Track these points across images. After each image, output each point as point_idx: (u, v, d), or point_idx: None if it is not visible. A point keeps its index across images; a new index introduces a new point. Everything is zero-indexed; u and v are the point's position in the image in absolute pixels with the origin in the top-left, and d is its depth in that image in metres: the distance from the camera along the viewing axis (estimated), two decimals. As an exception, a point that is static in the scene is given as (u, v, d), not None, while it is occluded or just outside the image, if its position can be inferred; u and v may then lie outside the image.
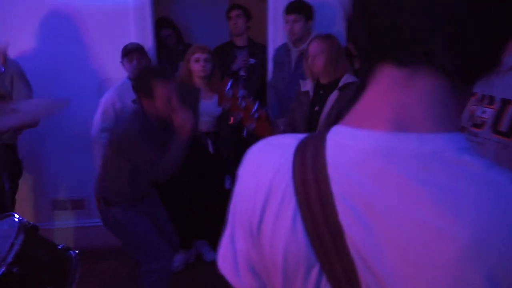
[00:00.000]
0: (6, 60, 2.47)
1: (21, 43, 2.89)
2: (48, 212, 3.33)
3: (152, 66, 2.29)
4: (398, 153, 0.48)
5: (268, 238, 0.56)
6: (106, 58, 3.10)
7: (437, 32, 0.46)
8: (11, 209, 2.54)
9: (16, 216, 1.75)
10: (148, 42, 3.13)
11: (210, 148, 2.23)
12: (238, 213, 0.62)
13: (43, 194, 3.32)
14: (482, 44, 0.47)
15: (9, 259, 1.53)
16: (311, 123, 2.43)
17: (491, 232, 0.42)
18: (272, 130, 1.45)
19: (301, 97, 2.55)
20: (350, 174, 0.50)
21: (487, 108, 1.31)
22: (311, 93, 2.49)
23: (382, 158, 0.48)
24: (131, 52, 2.83)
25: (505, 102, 1.26)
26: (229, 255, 0.64)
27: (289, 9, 2.92)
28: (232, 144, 3.00)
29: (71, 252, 1.79)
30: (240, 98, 1.38)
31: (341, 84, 2.37)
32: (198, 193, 3.04)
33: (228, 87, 1.38)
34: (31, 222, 1.72)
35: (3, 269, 1.51)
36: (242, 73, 3.48)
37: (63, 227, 3.34)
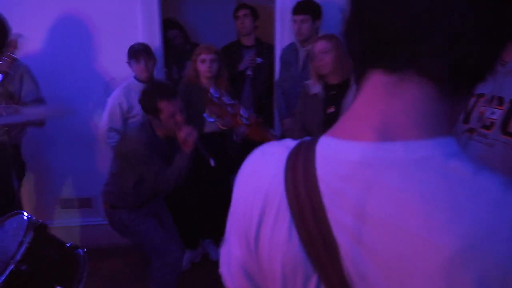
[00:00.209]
0: (15, 62, 2.49)
1: (29, 43, 2.90)
2: (55, 211, 3.35)
3: (157, 85, 2.40)
4: (385, 163, 0.48)
5: (266, 250, 0.57)
6: (113, 58, 3.11)
7: (424, 38, 0.46)
8: (20, 207, 2.56)
9: (25, 214, 1.77)
10: (155, 42, 3.14)
11: (212, 163, 2.29)
12: (235, 222, 0.64)
13: (50, 192, 3.35)
14: (476, 48, 0.47)
15: (18, 257, 1.55)
16: (327, 125, 2.40)
17: (479, 238, 0.41)
18: (264, 134, 1.45)
19: (311, 100, 2.50)
20: (340, 187, 0.50)
21: (496, 109, 1.30)
22: (321, 95, 2.46)
23: (370, 169, 0.48)
24: (138, 52, 2.84)
25: (514, 103, 1.26)
26: (225, 260, 0.66)
27: (297, 9, 2.92)
28: (239, 144, 3.00)
29: (79, 250, 1.81)
30: (226, 104, 1.39)
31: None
32: (205, 192, 3.05)
33: (213, 94, 1.39)
34: (40, 220, 1.73)
35: (12, 267, 1.52)
36: (249, 72, 3.48)
37: (70, 226, 3.36)
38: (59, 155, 3.27)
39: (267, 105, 3.58)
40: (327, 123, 2.40)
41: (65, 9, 3.05)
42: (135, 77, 2.92)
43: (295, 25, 2.94)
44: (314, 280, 0.53)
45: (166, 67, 3.49)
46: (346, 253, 0.49)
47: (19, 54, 2.43)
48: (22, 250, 1.56)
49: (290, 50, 3.11)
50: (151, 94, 2.27)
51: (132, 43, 2.92)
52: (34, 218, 1.73)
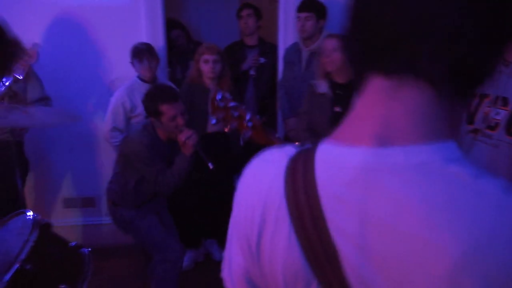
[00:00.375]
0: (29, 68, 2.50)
1: (31, 43, 2.91)
2: (58, 210, 3.36)
3: (160, 88, 2.44)
4: (385, 168, 0.47)
5: (267, 256, 0.57)
6: (117, 58, 3.11)
7: (424, 38, 0.46)
8: (23, 206, 2.57)
9: (29, 213, 1.77)
10: (159, 42, 3.14)
11: (210, 166, 2.32)
12: (236, 228, 0.64)
13: (53, 192, 3.35)
14: (477, 49, 0.46)
15: (23, 256, 1.55)
16: (334, 124, 2.40)
17: (482, 241, 0.41)
18: (268, 137, 1.45)
19: (318, 99, 2.51)
20: (340, 193, 0.50)
21: (501, 110, 1.30)
22: (329, 94, 2.46)
23: (370, 175, 0.48)
24: (141, 52, 2.85)
25: (519, 104, 1.26)
26: (227, 265, 0.66)
27: (301, 7, 2.93)
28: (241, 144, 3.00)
29: (84, 249, 1.81)
30: (232, 108, 1.39)
31: None
32: (207, 192, 3.05)
33: (219, 97, 1.39)
34: (45, 219, 1.74)
35: (16, 266, 1.52)
36: (252, 72, 3.48)
37: (74, 225, 3.37)
38: (62, 154, 3.27)
39: (270, 105, 3.58)
40: (334, 122, 2.40)
41: (68, 10, 3.06)
42: (138, 77, 2.92)
43: (299, 22, 2.94)
44: (314, 286, 0.53)
45: (170, 67, 3.50)
46: (347, 258, 0.49)
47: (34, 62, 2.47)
48: (27, 249, 1.56)
49: (293, 50, 3.12)
50: (154, 97, 2.31)
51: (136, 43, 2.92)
52: (38, 217, 1.74)
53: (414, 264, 0.43)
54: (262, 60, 3.46)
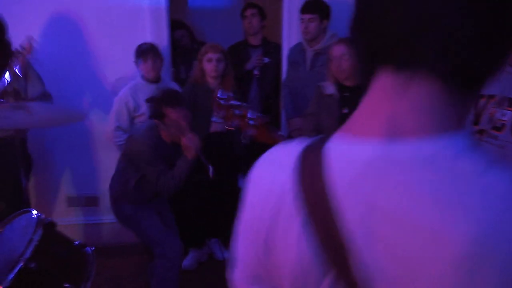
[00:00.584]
0: (26, 62, 2.52)
1: (36, 42, 2.92)
2: (62, 209, 3.37)
3: (166, 92, 2.48)
4: (396, 160, 0.48)
5: (279, 252, 0.57)
6: (120, 57, 3.12)
7: (431, 35, 0.46)
8: (28, 205, 2.58)
9: (34, 212, 1.78)
10: (163, 42, 3.15)
11: (211, 173, 2.34)
12: (245, 227, 0.64)
13: (57, 190, 3.36)
14: (479, 50, 0.47)
15: (27, 254, 1.55)
16: (342, 126, 2.39)
17: (490, 233, 0.41)
18: (272, 136, 1.45)
19: (325, 101, 2.51)
20: (351, 185, 0.51)
21: (507, 111, 1.30)
22: (336, 95, 2.46)
23: (381, 167, 0.49)
24: (145, 52, 2.85)
25: (526, 105, 1.25)
26: (233, 265, 0.66)
27: (305, 9, 2.92)
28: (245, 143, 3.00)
29: (88, 248, 1.81)
30: (233, 106, 1.39)
31: None
32: (211, 191, 3.05)
33: (220, 96, 1.39)
34: (49, 218, 1.74)
35: (21, 264, 1.53)
36: (256, 72, 3.48)
37: (77, 224, 3.38)
38: (65, 153, 3.28)
39: (274, 104, 3.58)
40: (341, 123, 2.40)
41: (72, 9, 3.06)
42: (142, 77, 2.92)
43: (303, 24, 2.94)
44: (327, 280, 0.53)
45: (174, 67, 3.50)
46: (359, 250, 0.49)
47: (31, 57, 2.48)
48: (31, 248, 1.57)
49: (298, 50, 3.11)
50: (158, 100, 2.37)
51: (140, 43, 2.92)
52: (43, 216, 1.74)
53: (424, 256, 0.44)
54: (266, 60, 3.46)
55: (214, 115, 1.35)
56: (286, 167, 0.57)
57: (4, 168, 2.55)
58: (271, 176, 0.60)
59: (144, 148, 2.32)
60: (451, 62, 0.47)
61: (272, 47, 3.53)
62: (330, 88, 2.49)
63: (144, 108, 2.84)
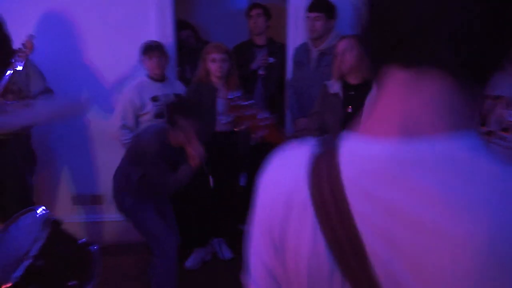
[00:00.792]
0: (27, 60, 2.53)
1: (41, 40, 2.92)
2: (68, 207, 3.38)
3: (181, 100, 2.61)
4: (410, 159, 0.47)
5: (292, 252, 0.57)
6: (125, 55, 3.12)
7: (440, 29, 0.46)
8: (33, 203, 2.59)
9: (39, 210, 1.78)
10: (168, 40, 3.14)
11: (211, 183, 2.37)
12: (259, 226, 0.63)
13: (63, 188, 3.37)
14: (489, 42, 0.47)
15: (33, 252, 1.56)
16: (346, 125, 2.40)
17: (507, 234, 0.41)
18: (282, 136, 1.45)
19: (330, 99, 2.50)
20: (365, 184, 0.50)
21: (515, 112, 1.29)
22: (341, 94, 2.46)
23: (395, 165, 0.48)
24: (150, 49, 2.85)
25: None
26: (248, 266, 0.66)
27: (311, 7, 2.93)
28: (249, 143, 3.00)
29: (92, 247, 1.82)
30: (245, 107, 1.39)
31: None
32: (214, 191, 3.05)
33: (231, 96, 1.40)
34: (54, 217, 1.75)
35: (27, 262, 1.53)
36: (261, 72, 3.48)
37: (82, 222, 3.39)
38: (71, 151, 3.29)
39: (279, 104, 3.57)
40: (346, 122, 2.40)
41: (76, 7, 3.07)
42: (147, 75, 2.92)
43: (309, 22, 2.94)
44: (339, 280, 0.52)
45: (179, 66, 3.50)
46: (374, 252, 0.49)
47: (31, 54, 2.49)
48: (38, 245, 1.57)
49: (303, 50, 3.11)
50: (173, 107, 2.46)
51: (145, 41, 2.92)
52: (48, 214, 1.74)
53: (441, 258, 0.43)
54: (271, 59, 3.46)
55: (223, 116, 1.35)
56: (298, 168, 0.57)
57: (9, 165, 2.56)
58: (284, 176, 0.59)
59: (151, 149, 2.36)
60: (461, 56, 0.47)
61: (277, 47, 3.53)
62: (335, 87, 2.49)
63: (149, 106, 2.84)
